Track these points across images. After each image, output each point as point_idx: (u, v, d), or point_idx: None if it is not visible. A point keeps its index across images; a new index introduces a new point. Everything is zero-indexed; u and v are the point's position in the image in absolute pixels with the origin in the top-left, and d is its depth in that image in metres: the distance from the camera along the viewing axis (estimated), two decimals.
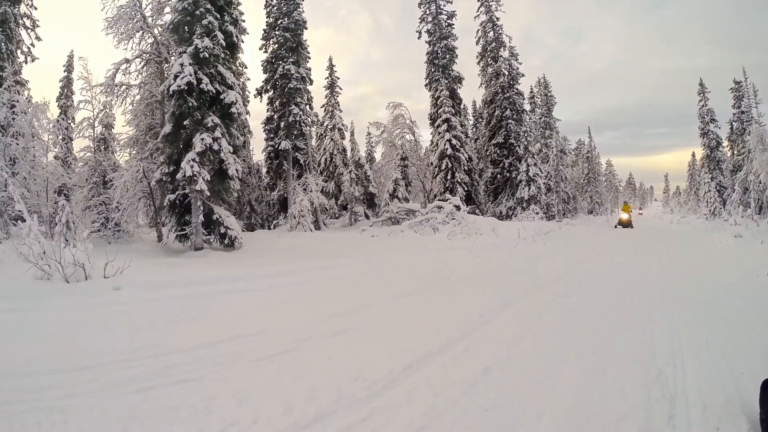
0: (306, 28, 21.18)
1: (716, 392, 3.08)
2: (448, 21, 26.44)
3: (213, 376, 3.37)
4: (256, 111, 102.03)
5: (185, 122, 12.17)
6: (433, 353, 3.93)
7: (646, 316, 5.16)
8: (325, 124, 26.64)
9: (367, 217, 23.41)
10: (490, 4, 27.92)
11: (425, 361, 3.75)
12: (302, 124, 20.28)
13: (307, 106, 21.10)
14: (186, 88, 11.91)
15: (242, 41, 14.72)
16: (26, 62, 18.54)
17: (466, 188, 24.29)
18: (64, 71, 22.32)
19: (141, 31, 14.77)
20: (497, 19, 27.98)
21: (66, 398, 2.95)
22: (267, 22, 21.68)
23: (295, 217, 18.88)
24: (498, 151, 27.25)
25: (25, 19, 18.32)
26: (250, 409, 2.83)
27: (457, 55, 26.41)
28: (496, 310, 5.51)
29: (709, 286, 7.08)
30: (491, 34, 28.09)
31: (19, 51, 18.07)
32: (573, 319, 5.08)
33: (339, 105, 26.60)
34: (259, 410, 2.82)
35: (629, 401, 2.99)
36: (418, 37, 26.69)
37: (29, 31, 18.47)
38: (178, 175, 11.89)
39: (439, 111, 24.69)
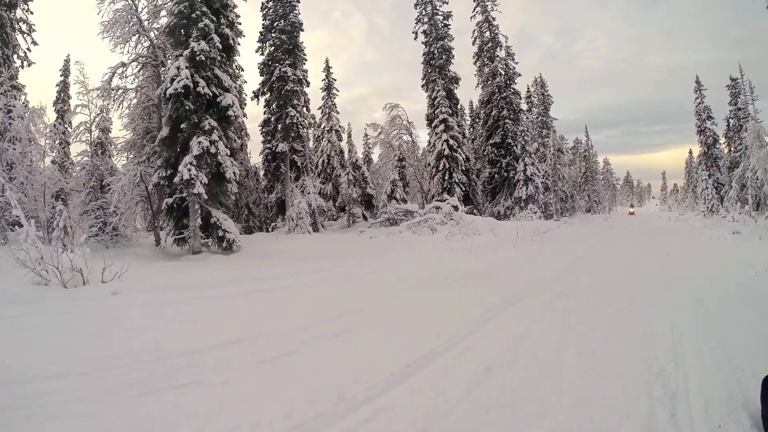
0: (302, 30, 21.21)
1: (718, 389, 3.07)
2: (444, 21, 26.48)
3: (214, 379, 3.36)
4: (253, 114, 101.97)
5: (182, 126, 12.17)
6: (434, 353, 3.92)
7: (646, 313, 5.17)
8: (322, 126, 26.59)
9: (365, 218, 23.35)
10: (486, 4, 28.02)
11: (426, 360, 3.74)
12: (299, 126, 20.28)
13: (304, 108, 21.13)
14: (182, 91, 11.91)
15: (238, 44, 14.69)
16: (23, 67, 18.48)
17: (463, 188, 24.31)
18: (61, 76, 22.28)
19: (137, 35, 14.80)
20: (493, 19, 28.12)
21: (67, 403, 2.93)
22: (263, 24, 21.69)
23: (293, 220, 18.87)
24: (495, 151, 27.33)
25: (21, 23, 18.25)
26: (252, 413, 2.81)
27: (453, 56, 26.48)
28: (496, 309, 5.51)
29: (708, 282, 7.10)
30: (487, 34, 28.18)
31: (15, 55, 18.00)
32: (573, 317, 5.09)
33: (336, 107, 26.56)
34: (260, 413, 2.81)
35: (631, 399, 2.98)
36: (415, 38, 26.75)
37: (25, 35, 18.40)
38: (176, 179, 11.89)
39: (436, 111, 24.73)
